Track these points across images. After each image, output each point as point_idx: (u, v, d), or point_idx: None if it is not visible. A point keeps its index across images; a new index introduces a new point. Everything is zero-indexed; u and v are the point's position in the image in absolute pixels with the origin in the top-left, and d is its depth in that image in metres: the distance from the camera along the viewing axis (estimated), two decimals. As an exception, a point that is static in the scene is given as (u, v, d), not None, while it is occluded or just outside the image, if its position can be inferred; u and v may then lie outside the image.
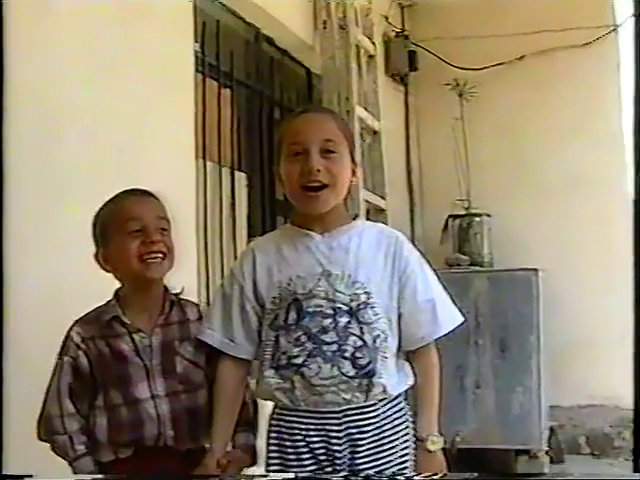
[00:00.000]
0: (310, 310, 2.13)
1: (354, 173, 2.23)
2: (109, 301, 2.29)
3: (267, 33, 4.69)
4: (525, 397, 5.28)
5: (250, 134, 4.60)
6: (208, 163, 3.98)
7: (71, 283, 2.78)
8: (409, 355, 2.24)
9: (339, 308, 2.13)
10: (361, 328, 2.13)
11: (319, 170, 2.12)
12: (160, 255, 2.24)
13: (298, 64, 5.19)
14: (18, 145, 2.48)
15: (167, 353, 2.24)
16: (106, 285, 2.77)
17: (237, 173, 4.34)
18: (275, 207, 4.77)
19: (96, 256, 2.29)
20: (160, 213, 2.28)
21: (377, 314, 2.15)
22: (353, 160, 2.23)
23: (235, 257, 4.17)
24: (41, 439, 2.25)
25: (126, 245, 2.21)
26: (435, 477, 2.14)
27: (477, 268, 5.91)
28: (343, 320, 2.13)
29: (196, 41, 3.81)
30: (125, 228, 2.22)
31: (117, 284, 2.33)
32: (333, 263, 2.16)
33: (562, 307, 5.87)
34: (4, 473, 2.15)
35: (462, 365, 5.33)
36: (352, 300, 2.13)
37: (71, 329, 2.25)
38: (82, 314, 2.30)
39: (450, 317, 2.26)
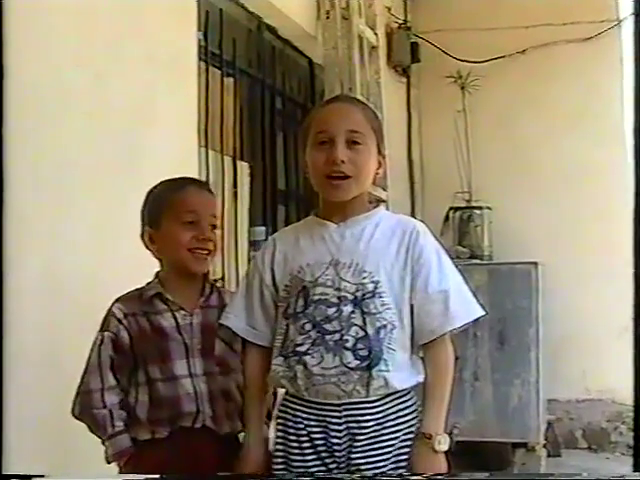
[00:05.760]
0: (315, 298, 2.12)
1: (380, 165, 2.22)
2: (150, 282, 2.32)
3: (270, 22, 4.68)
4: (523, 390, 5.28)
5: (252, 123, 4.59)
6: (210, 152, 3.97)
7: (70, 273, 2.76)
8: (423, 349, 2.17)
9: (344, 297, 2.10)
10: (364, 318, 2.09)
11: (343, 161, 2.12)
12: (207, 252, 2.30)
13: (300, 54, 5.18)
14: (19, 135, 2.47)
15: (207, 334, 2.27)
16: (107, 275, 2.79)
17: (239, 162, 4.33)
18: (277, 197, 4.77)
19: (142, 234, 2.33)
20: (214, 210, 2.36)
21: (385, 304, 2.11)
22: (380, 152, 2.22)
23: (236, 246, 4.19)
24: (76, 416, 2.24)
25: (178, 235, 2.27)
26: (439, 477, 2.10)
27: (477, 261, 5.91)
28: (347, 309, 2.10)
29: (199, 29, 3.80)
30: (180, 217, 2.27)
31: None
32: (342, 252, 2.14)
33: (561, 300, 5.87)
34: (10, 473, 2.15)
35: (460, 357, 5.30)
36: (358, 290, 2.10)
37: (112, 306, 2.27)
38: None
39: (465, 310, 2.16)
